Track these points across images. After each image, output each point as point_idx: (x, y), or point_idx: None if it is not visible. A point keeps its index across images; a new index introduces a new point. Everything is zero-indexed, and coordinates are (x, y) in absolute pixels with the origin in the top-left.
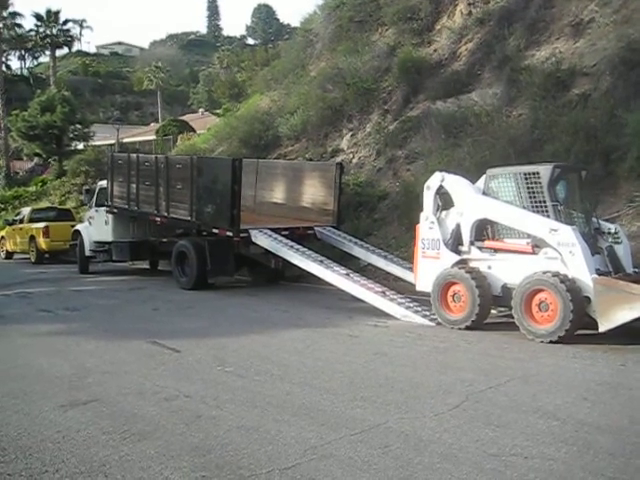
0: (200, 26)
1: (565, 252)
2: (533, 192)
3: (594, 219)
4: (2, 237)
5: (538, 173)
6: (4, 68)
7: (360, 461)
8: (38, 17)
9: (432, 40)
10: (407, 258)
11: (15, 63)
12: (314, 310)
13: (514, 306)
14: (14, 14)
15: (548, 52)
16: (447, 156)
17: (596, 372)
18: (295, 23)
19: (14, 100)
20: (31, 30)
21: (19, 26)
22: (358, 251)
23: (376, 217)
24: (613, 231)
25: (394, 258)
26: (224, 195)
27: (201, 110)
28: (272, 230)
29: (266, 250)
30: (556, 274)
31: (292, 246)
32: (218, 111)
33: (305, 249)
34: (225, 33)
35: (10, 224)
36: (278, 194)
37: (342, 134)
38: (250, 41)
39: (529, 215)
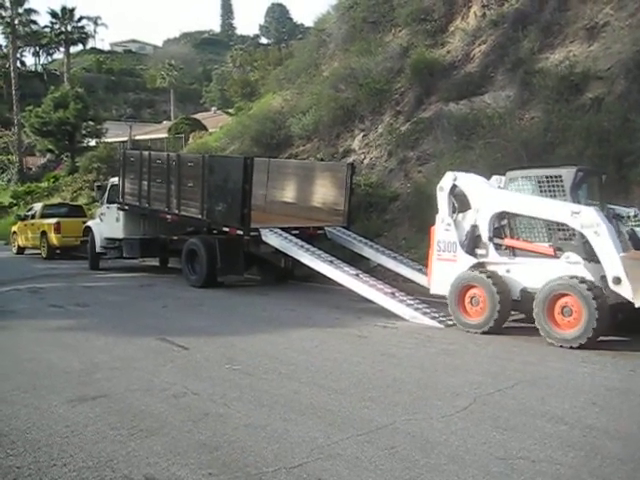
0: (214, 25)
1: (590, 234)
2: (554, 195)
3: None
4: (14, 232)
5: (560, 176)
6: (18, 64)
7: (367, 461)
8: (53, 14)
9: (445, 42)
10: (417, 259)
11: (29, 59)
12: (323, 310)
13: (535, 309)
14: (29, 11)
15: (562, 55)
16: (459, 158)
17: (605, 377)
18: (308, 23)
19: (28, 96)
20: (46, 27)
21: (34, 22)
22: (368, 252)
23: (387, 218)
24: (632, 214)
25: (404, 259)
26: (235, 194)
27: (213, 109)
28: (282, 229)
29: (276, 249)
30: (583, 280)
31: (302, 246)
32: (230, 110)
33: (315, 249)
34: (238, 32)
35: (22, 219)
36: (289, 193)
37: (354, 134)
38: (263, 40)
39: (549, 201)
